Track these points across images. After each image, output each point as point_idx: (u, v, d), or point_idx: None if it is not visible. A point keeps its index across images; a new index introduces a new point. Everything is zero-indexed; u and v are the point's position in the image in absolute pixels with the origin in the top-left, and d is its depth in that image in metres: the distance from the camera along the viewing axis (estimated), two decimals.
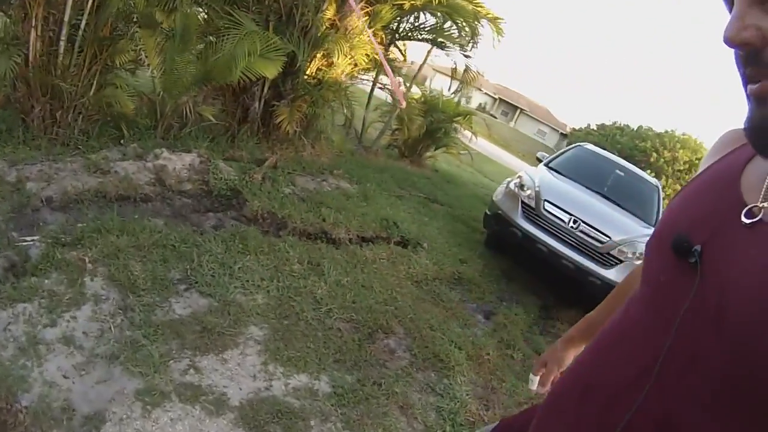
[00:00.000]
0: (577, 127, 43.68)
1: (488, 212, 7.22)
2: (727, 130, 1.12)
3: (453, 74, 9.65)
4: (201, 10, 6.62)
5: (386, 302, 4.92)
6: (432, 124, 9.90)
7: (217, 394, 3.23)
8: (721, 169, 1.01)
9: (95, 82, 5.67)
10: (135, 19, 5.87)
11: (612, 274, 6.20)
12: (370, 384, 3.81)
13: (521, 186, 6.85)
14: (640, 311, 0.99)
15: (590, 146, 8.99)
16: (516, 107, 54.99)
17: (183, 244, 4.57)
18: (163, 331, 3.55)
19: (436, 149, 10.69)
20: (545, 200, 6.61)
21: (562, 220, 6.48)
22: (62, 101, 5.41)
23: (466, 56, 9.14)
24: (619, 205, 7.37)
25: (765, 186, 0.87)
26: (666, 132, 35.38)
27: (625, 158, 9.80)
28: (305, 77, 7.43)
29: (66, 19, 5.16)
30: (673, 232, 0.94)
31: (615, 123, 38.66)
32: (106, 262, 3.99)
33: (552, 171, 7.74)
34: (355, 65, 7.70)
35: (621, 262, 6.26)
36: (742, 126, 0.86)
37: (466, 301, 5.91)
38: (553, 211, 6.55)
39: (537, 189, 6.74)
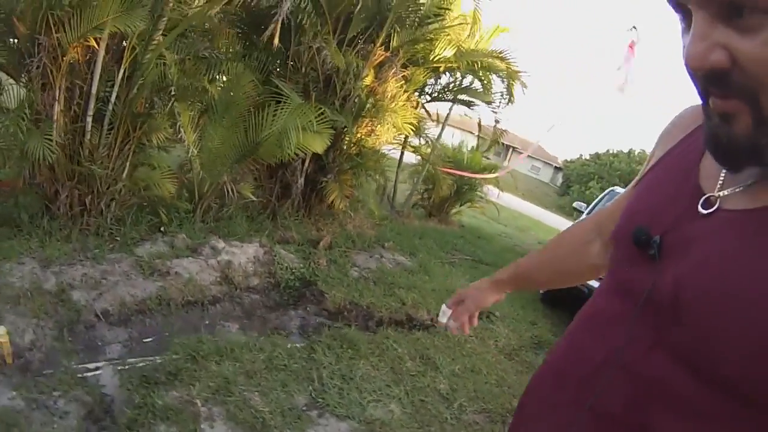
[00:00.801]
0: (570, 159, 43.11)
1: None
2: (683, 109, 1.05)
3: (479, 130, 9.10)
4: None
5: (498, 383, 4.64)
6: (460, 181, 9.53)
7: None
8: (679, 156, 0.97)
9: (128, 163, 4.81)
10: (171, 92, 4.88)
11: None
12: None
13: None
14: (605, 300, 0.96)
15: (619, 189, 9.23)
16: (508, 146, 54.84)
17: (291, 360, 3.92)
18: None
19: (461, 205, 10.25)
20: None
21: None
22: (92, 185, 4.58)
23: (495, 113, 8.75)
24: None
25: (722, 175, 0.83)
26: None
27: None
28: (346, 148, 6.84)
29: (93, 91, 4.32)
30: (634, 223, 0.91)
31: (608, 151, 37.83)
32: (219, 399, 3.26)
33: None
34: (398, 132, 7.00)
35: None
36: (694, 106, 0.97)
37: None
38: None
39: None
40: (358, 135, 6.90)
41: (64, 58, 4.04)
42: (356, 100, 6.56)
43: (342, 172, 6.77)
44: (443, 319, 1.49)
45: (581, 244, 1.31)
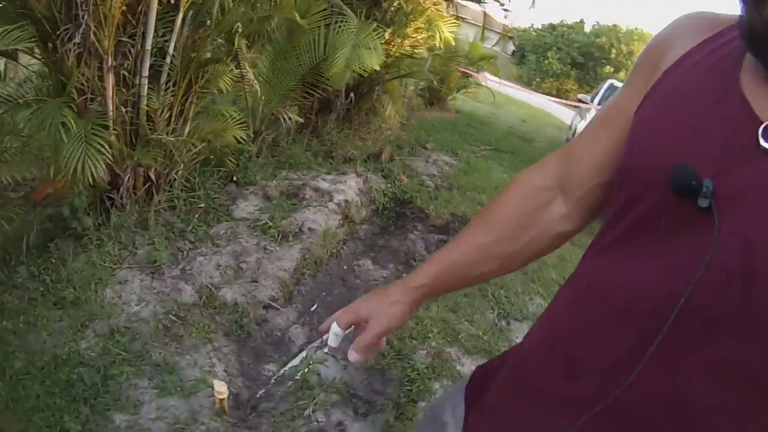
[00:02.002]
0: (522, 28, 38.26)
1: None
2: (683, 15, 0.80)
3: (484, 22, 8.25)
4: None
5: None
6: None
7: None
8: (699, 70, 0.70)
9: (190, 120, 3.77)
10: (238, 29, 3.69)
11: None
12: None
13: None
14: (629, 267, 0.69)
15: (617, 82, 9.14)
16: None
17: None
18: None
19: (457, 92, 9.62)
20: None
21: None
22: (157, 157, 3.52)
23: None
24: None
25: None
26: (616, 26, 31.55)
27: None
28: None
29: (148, 47, 3.20)
30: (664, 159, 0.65)
31: (562, 22, 33.87)
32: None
33: None
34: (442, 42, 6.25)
35: None
36: (702, 11, 0.76)
37: None
38: None
39: None
40: (405, 44, 6.29)
41: (112, 11, 2.91)
42: (399, 10, 5.97)
43: (388, 82, 6.19)
44: (334, 342, 1.02)
45: (534, 209, 0.92)
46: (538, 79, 30.14)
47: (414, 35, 6.31)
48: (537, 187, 0.93)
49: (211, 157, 4.17)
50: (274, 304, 3.38)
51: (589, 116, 7.59)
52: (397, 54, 6.17)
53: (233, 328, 3.07)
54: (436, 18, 5.88)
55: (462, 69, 8.12)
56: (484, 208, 1.02)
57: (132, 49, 3.18)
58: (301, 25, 4.32)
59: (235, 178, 4.36)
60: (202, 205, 3.86)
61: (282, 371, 3.04)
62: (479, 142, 7.80)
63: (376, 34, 5.01)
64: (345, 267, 4.19)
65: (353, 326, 1.01)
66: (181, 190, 3.84)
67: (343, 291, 3.95)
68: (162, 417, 2.38)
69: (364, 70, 4.91)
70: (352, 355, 0.99)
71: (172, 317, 2.93)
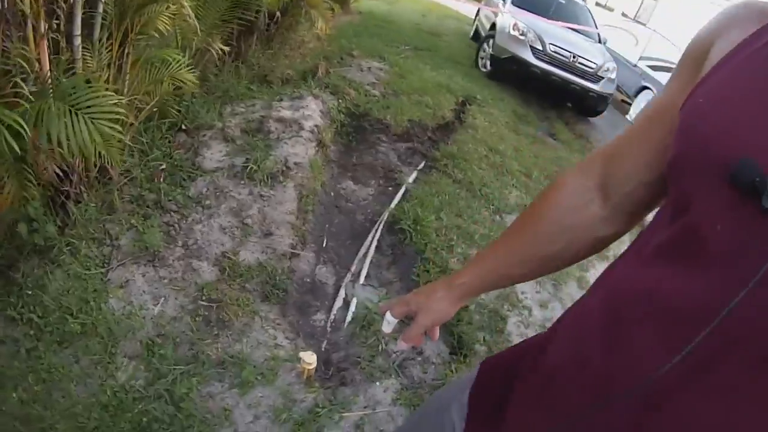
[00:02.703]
0: None
1: (500, 56, 7.40)
2: (730, 6, 0.72)
3: None
4: None
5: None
6: None
7: None
8: (764, 61, 0.62)
9: (129, 73, 3.00)
10: None
11: (599, 87, 7.43)
12: None
13: (522, 32, 7.25)
14: (668, 277, 0.60)
15: None
16: None
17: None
18: None
19: None
20: (549, 42, 7.23)
21: (566, 57, 7.26)
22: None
23: None
24: (576, 31, 8.22)
25: None
26: None
27: None
28: None
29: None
30: (725, 150, 0.57)
31: None
32: None
33: (520, 8, 7.90)
34: None
35: (602, 78, 7.42)
36: (749, 1, 0.69)
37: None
38: (557, 51, 7.25)
39: (537, 33, 7.27)
40: None
41: None
42: None
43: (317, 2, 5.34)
44: (387, 329, 1.04)
45: (573, 210, 0.85)
46: None
47: None
48: (578, 187, 0.86)
49: (155, 110, 3.50)
50: (294, 251, 3.00)
51: (508, 15, 7.63)
52: None
53: (268, 291, 2.69)
54: None
55: None
56: (526, 209, 0.98)
57: (58, 6, 2.42)
58: None
59: (183, 126, 3.72)
60: (163, 166, 3.25)
61: (332, 317, 2.75)
62: (397, 43, 7.35)
63: None
64: (332, 194, 3.85)
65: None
66: (132, 155, 3.16)
67: (343, 218, 3.66)
68: (259, 414, 2.06)
69: None
70: (400, 344, 1.02)
71: (204, 303, 2.50)
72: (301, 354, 2.16)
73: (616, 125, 8.61)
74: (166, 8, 3.05)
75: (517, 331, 3.03)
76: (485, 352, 2.75)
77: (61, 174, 2.58)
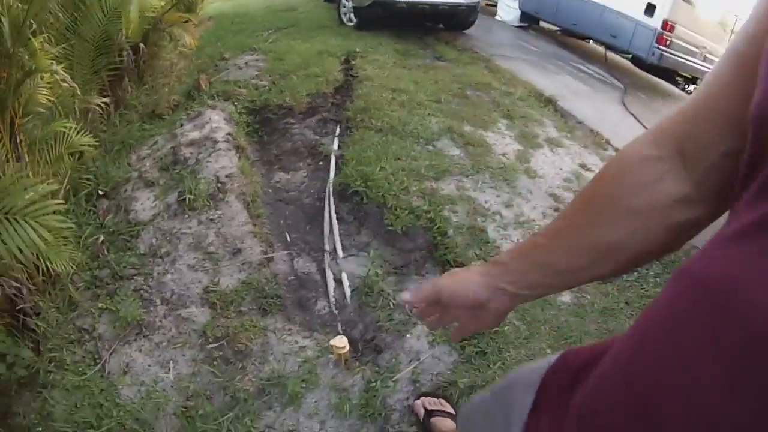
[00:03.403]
0: None
1: (362, 5, 7.14)
2: None
3: None
4: None
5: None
6: None
7: None
8: None
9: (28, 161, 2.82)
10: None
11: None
12: None
13: None
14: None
15: None
16: None
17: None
18: None
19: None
20: None
21: None
22: None
23: None
24: None
25: None
26: None
27: None
28: None
29: None
30: None
31: None
32: None
33: None
34: None
35: None
36: None
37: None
38: None
39: None
40: None
41: None
42: None
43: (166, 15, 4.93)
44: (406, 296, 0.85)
45: (646, 185, 0.66)
46: None
47: None
48: (646, 158, 0.67)
49: (67, 187, 3.24)
50: (267, 256, 2.90)
51: None
52: None
53: (264, 304, 2.61)
54: None
55: None
56: (585, 187, 0.75)
57: None
58: None
59: (101, 192, 3.47)
60: (101, 238, 3.02)
61: (332, 299, 2.70)
62: (259, 31, 7.10)
63: None
64: (271, 191, 3.74)
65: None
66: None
67: (292, 208, 3.59)
68: (323, 419, 2.04)
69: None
70: (404, 295, 0.84)
71: (213, 345, 2.38)
72: (331, 342, 2.11)
73: (489, 28, 8.80)
74: (41, 79, 2.82)
75: (499, 235, 3.08)
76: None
77: (10, 293, 2.36)
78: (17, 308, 2.40)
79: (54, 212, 2.13)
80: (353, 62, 5.72)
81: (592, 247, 0.69)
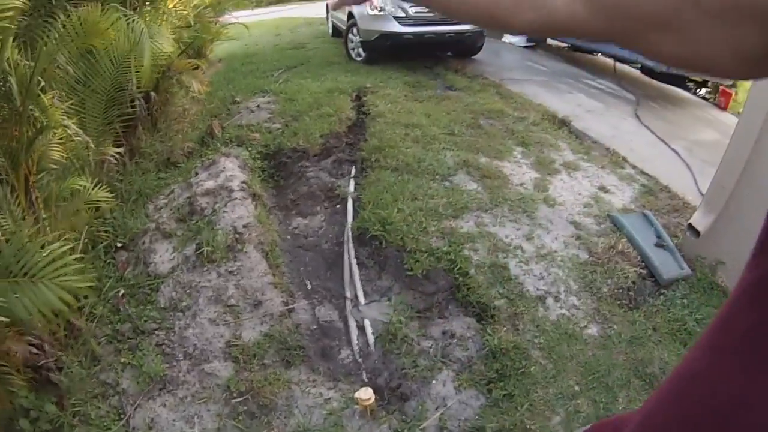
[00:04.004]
0: None
1: (369, 39, 7.32)
2: None
3: None
4: None
5: None
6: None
7: None
8: None
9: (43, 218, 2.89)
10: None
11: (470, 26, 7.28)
12: None
13: (380, 8, 7.17)
14: None
15: None
16: None
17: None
18: None
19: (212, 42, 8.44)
20: (410, 6, 7.12)
21: (430, 12, 6.85)
22: None
23: None
24: None
25: None
26: None
27: None
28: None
29: None
30: None
31: None
32: None
33: None
34: None
35: None
36: None
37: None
38: (420, 11, 7.09)
39: (395, 2, 7.14)
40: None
41: None
42: None
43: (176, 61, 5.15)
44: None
45: None
46: None
47: (175, 4, 5.40)
48: None
49: (86, 241, 3.33)
50: (288, 306, 2.94)
51: None
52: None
53: (287, 356, 2.64)
54: None
55: (213, 18, 7.28)
56: None
57: None
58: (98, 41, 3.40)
59: (119, 244, 3.57)
60: (122, 292, 3.10)
61: (356, 348, 2.73)
62: (269, 72, 7.29)
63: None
64: (289, 237, 3.80)
65: None
66: (86, 296, 2.97)
67: (311, 254, 3.65)
68: None
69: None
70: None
71: (237, 400, 2.41)
72: (356, 395, 2.13)
73: (498, 51, 8.87)
74: (53, 135, 2.92)
75: (521, 270, 3.09)
76: (506, 304, 2.79)
77: (32, 350, 2.43)
78: (39, 364, 2.46)
79: (73, 272, 2.17)
80: (364, 98, 5.82)
81: None
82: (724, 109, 8.44)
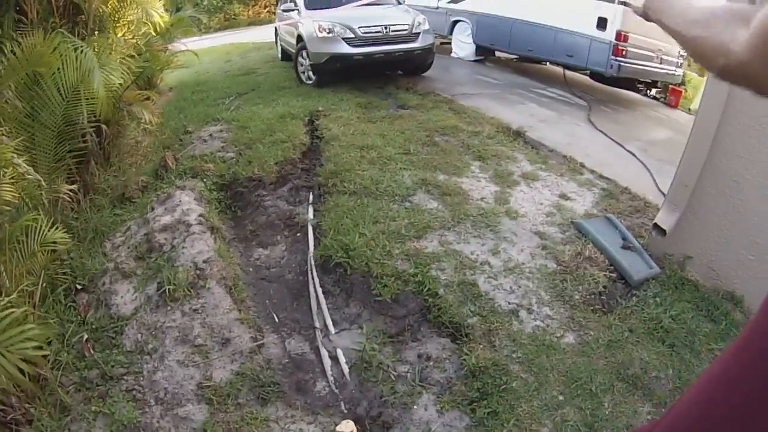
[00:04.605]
0: None
1: (319, 62, 7.41)
2: None
3: None
4: None
5: None
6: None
7: None
8: None
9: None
10: None
11: (419, 43, 7.69)
12: None
13: (329, 30, 7.31)
14: None
15: None
16: None
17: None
18: None
19: (161, 71, 8.26)
20: (358, 27, 7.30)
21: (379, 32, 7.43)
22: None
23: None
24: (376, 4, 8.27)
25: None
26: None
27: None
28: None
29: None
30: None
31: None
32: None
33: (315, 10, 7.93)
34: None
35: (419, 33, 7.68)
36: None
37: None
38: (369, 31, 7.37)
39: (343, 24, 7.33)
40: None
41: None
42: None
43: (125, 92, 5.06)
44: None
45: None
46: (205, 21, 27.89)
47: (126, 35, 5.36)
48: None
49: (44, 284, 3.22)
50: (257, 342, 2.90)
51: (308, 18, 7.67)
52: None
53: (262, 393, 2.60)
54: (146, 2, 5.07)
55: (163, 46, 7.19)
56: None
57: None
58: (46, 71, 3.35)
59: (78, 286, 3.46)
60: (85, 336, 3.00)
61: (331, 378, 2.71)
62: (220, 99, 7.26)
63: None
64: (251, 269, 3.75)
65: None
66: (49, 342, 2.89)
67: (275, 286, 3.61)
68: None
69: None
70: None
71: None
72: (337, 428, 2.11)
73: (447, 67, 9.05)
74: (4, 174, 2.82)
75: (491, 286, 3.13)
76: (480, 321, 2.82)
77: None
78: (8, 418, 2.37)
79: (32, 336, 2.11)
80: (317, 122, 5.84)
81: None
82: (674, 107, 8.83)
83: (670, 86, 9.00)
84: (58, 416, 2.47)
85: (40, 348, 2.39)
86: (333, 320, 3.13)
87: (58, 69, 3.43)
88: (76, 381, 2.66)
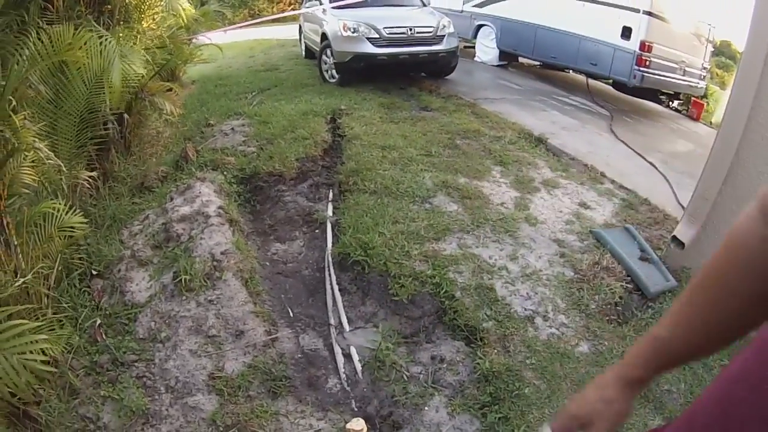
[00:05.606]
0: None
1: (343, 60, 7.37)
2: None
3: None
4: None
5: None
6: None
7: None
8: None
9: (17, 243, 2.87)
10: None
11: (443, 46, 7.62)
12: None
13: (354, 29, 7.26)
14: None
15: None
16: None
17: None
18: None
19: (185, 65, 8.33)
20: (383, 27, 7.27)
21: (403, 33, 7.41)
22: None
23: None
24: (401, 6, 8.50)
25: None
26: None
27: None
28: None
29: None
30: None
31: None
32: None
33: (338, 9, 7.94)
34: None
35: (443, 36, 7.61)
36: None
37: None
38: (393, 32, 7.34)
39: (368, 24, 7.30)
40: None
41: None
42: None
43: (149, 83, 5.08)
44: None
45: (764, 264, 0.68)
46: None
47: (152, 26, 5.39)
48: (764, 239, 0.67)
49: (60, 269, 3.24)
50: (271, 335, 2.89)
51: (333, 16, 7.65)
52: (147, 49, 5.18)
53: (273, 387, 2.59)
54: None
55: (187, 39, 7.25)
56: (700, 275, 0.77)
57: None
58: (70, 60, 3.32)
59: (94, 272, 3.47)
60: (98, 321, 3.02)
61: (343, 376, 2.69)
62: (243, 94, 7.27)
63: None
64: (268, 263, 3.76)
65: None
66: (62, 325, 2.91)
67: (291, 281, 3.62)
68: None
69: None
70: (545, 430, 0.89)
71: None
72: (347, 426, 2.09)
73: (470, 71, 9.02)
74: (25, 158, 2.84)
75: (508, 291, 3.10)
76: (495, 326, 2.79)
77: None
78: (17, 397, 2.38)
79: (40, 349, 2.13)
80: (339, 120, 5.83)
81: (733, 322, 0.72)
82: (696, 119, 8.72)
83: (693, 98, 8.89)
84: (67, 398, 2.47)
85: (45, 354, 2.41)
86: (348, 318, 3.12)
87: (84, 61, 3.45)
88: (87, 365, 2.67)
